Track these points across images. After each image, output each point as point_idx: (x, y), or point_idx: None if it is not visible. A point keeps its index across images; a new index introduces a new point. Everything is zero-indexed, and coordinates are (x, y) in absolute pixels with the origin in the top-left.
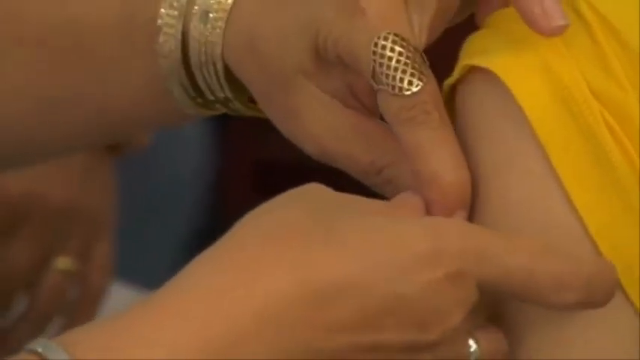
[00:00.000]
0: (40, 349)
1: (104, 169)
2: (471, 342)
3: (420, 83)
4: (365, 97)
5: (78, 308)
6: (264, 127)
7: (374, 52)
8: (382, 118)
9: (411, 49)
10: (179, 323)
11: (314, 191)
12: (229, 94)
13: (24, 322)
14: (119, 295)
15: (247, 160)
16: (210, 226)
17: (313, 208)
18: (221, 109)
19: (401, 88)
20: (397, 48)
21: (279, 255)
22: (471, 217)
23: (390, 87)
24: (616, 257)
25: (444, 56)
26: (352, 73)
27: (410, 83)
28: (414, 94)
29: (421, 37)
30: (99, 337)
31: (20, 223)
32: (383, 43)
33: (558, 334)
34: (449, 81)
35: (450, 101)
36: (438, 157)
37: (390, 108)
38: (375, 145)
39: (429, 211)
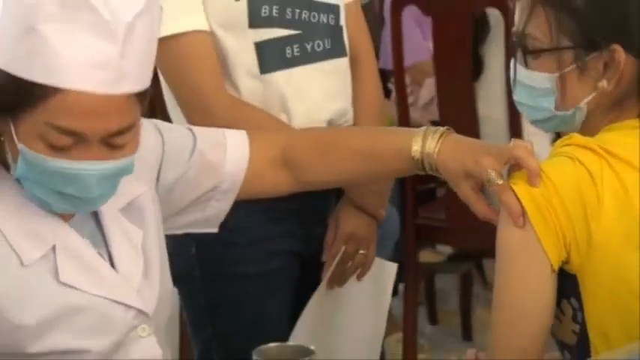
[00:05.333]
0: None
1: (373, 224)
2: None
3: (501, 181)
4: (478, 189)
5: (367, 264)
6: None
7: (488, 174)
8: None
9: (498, 173)
10: None
11: None
12: (437, 174)
13: (348, 270)
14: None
15: (412, 225)
16: (397, 257)
17: None
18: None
19: (496, 182)
20: (494, 174)
21: None
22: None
23: (495, 183)
24: (554, 248)
25: None
26: (477, 180)
27: (499, 179)
28: (502, 183)
29: (498, 174)
30: None
31: (349, 241)
32: (491, 173)
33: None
34: None
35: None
36: (514, 202)
37: (495, 190)
38: (478, 203)
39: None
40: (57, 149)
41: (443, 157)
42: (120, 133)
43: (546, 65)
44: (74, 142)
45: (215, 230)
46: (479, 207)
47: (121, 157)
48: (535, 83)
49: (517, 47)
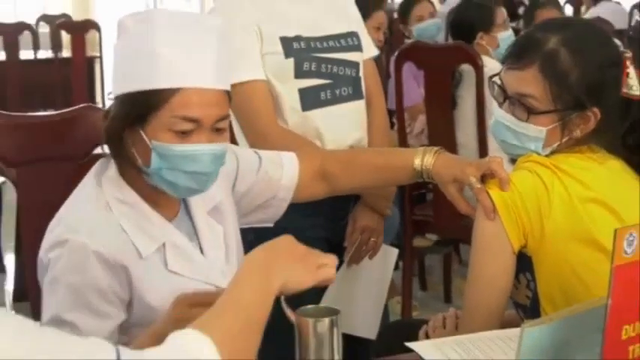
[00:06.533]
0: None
1: (381, 220)
2: None
3: (479, 185)
4: (461, 191)
5: (377, 248)
6: (419, 205)
7: (470, 181)
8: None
9: (477, 180)
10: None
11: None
12: (432, 181)
13: (362, 253)
14: (382, 248)
15: (409, 220)
16: (398, 242)
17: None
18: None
19: (476, 186)
20: (474, 180)
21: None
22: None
23: (474, 187)
24: (515, 235)
25: None
26: (462, 184)
27: (478, 184)
28: (480, 187)
29: (477, 180)
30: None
31: (364, 232)
32: (472, 179)
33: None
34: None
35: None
36: (488, 201)
37: (475, 192)
38: (461, 201)
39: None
40: (181, 135)
41: (437, 168)
42: (223, 119)
43: (541, 121)
44: (194, 127)
45: (271, 225)
46: (461, 204)
47: (222, 141)
48: (528, 132)
49: (516, 106)
